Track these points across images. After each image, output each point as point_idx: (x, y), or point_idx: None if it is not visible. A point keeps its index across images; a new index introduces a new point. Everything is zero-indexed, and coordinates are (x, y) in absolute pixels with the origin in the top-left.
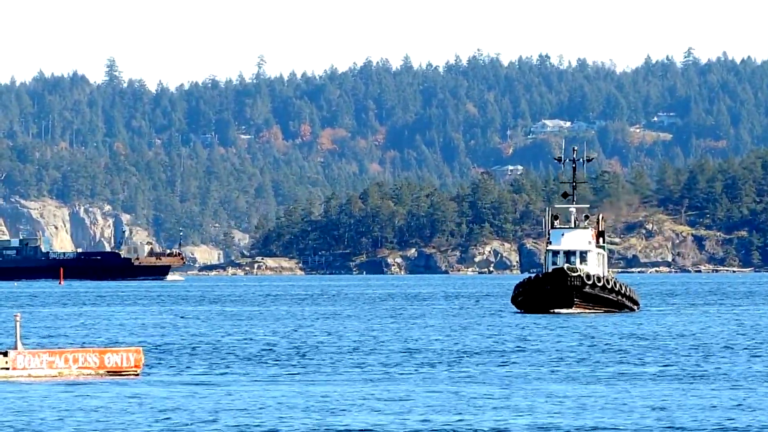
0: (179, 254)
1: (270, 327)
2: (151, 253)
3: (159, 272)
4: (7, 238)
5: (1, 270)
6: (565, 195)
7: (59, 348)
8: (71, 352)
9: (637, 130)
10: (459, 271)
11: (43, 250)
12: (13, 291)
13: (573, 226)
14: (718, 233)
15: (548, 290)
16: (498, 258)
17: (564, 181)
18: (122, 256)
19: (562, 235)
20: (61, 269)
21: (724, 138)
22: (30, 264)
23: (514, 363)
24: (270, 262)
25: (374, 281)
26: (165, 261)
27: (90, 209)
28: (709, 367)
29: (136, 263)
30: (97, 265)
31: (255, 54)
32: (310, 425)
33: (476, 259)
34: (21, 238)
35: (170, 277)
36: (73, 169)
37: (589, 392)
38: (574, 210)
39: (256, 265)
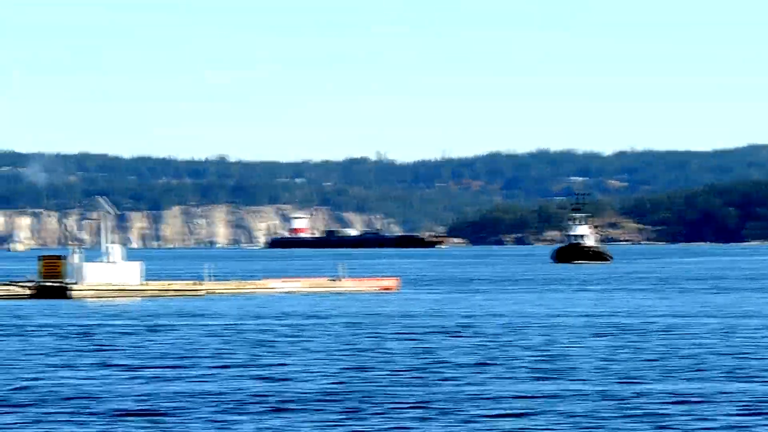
0: (444, 236)
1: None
2: (432, 235)
3: (433, 245)
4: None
5: (360, 242)
6: (575, 209)
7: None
8: (367, 279)
9: (613, 182)
10: (540, 244)
11: (382, 233)
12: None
13: (579, 223)
14: (647, 227)
15: (571, 252)
16: (554, 239)
17: (577, 203)
18: (419, 237)
19: (575, 227)
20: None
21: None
22: (373, 239)
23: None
24: (453, 240)
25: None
26: (437, 239)
27: (375, 216)
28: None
29: (423, 239)
30: (409, 241)
31: (441, 146)
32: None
33: (545, 239)
34: (369, 229)
35: (440, 247)
36: (362, 199)
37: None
38: (579, 216)
39: (444, 243)
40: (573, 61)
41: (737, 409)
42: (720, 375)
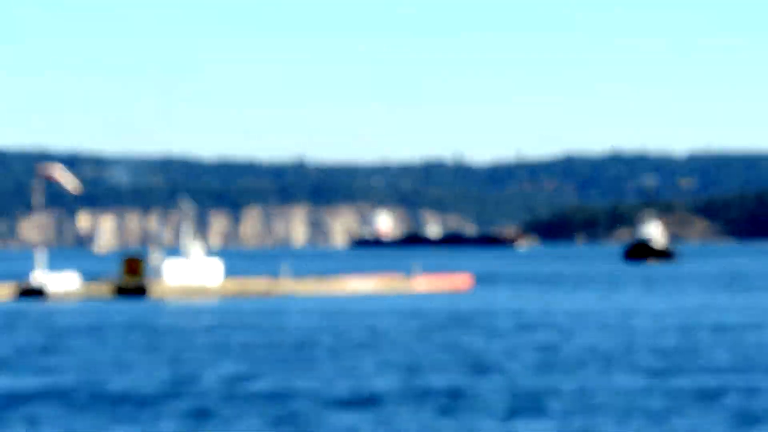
0: (523, 235)
1: None
2: (510, 233)
3: (511, 243)
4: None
5: (440, 241)
6: (645, 209)
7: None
8: (440, 277)
9: (684, 181)
10: (612, 243)
11: (463, 233)
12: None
13: (650, 222)
14: (717, 225)
15: (641, 250)
16: (626, 238)
17: (648, 203)
18: (497, 236)
19: (646, 226)
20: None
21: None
22: (453, 239)
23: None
24: (525, 239)
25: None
26: (516, 238)
27: (451, 216)
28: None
29: (502, 238)
30: (491, 240)
31: (517, 147)
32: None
33: (617, 237)
34: (445, 228)
35: (519, 245)
36: (438, 199)
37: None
38: (649, 215)
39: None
40: (647, 63)
41: None
42: None
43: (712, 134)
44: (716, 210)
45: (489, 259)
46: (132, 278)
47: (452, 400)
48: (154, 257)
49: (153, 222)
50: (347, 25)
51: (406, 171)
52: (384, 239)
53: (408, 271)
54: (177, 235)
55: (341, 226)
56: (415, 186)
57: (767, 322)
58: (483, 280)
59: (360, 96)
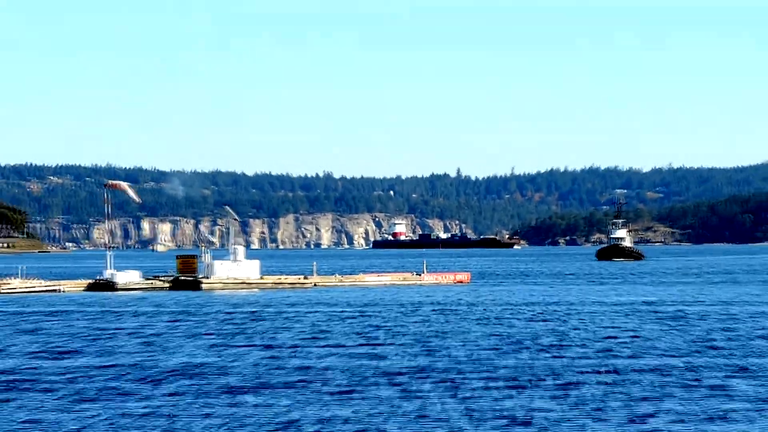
0: (518, 238)
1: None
2: (507, 236)
3: (510, 245)
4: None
5: (449, 244)
6: (616, 216)
7: (443, 272)
8: (444, 274)
9: (650, 193)
10: (588, 245)
11: (466, 236)
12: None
13: (619, 227)
14: (676, 231)
15: (611, 251)
16: (600, 241)
17: (618, 211)
18: (497, 239)
19: (615, 231)
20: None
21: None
22: (460, 241)
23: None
24: (520, 241)
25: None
26: (512, 241)
27: (453, 222)
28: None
29: (501, 240)
30: (489, 242)
31: (509, 164)
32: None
33: (592, 240)
34: (449, 233)
35: (516, 247)
36: (442, 208)
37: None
38: (619, 221)
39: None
40: (618, 92)
41: None
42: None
43: (674, 154)
44: (676, 218)
45: (486, 258)
46: (186, 274)
47: (449, 378)
48: (205, 257)
49: (204, 227)
50: (366, 61)
51: (416, 184)
52: (398, 242)
53: (419, 269)
54: (224, 238)
55: (361, 230)
56: (423, 197)
57: (715, 310)
58: (481, 275)
59: (377, 122)
